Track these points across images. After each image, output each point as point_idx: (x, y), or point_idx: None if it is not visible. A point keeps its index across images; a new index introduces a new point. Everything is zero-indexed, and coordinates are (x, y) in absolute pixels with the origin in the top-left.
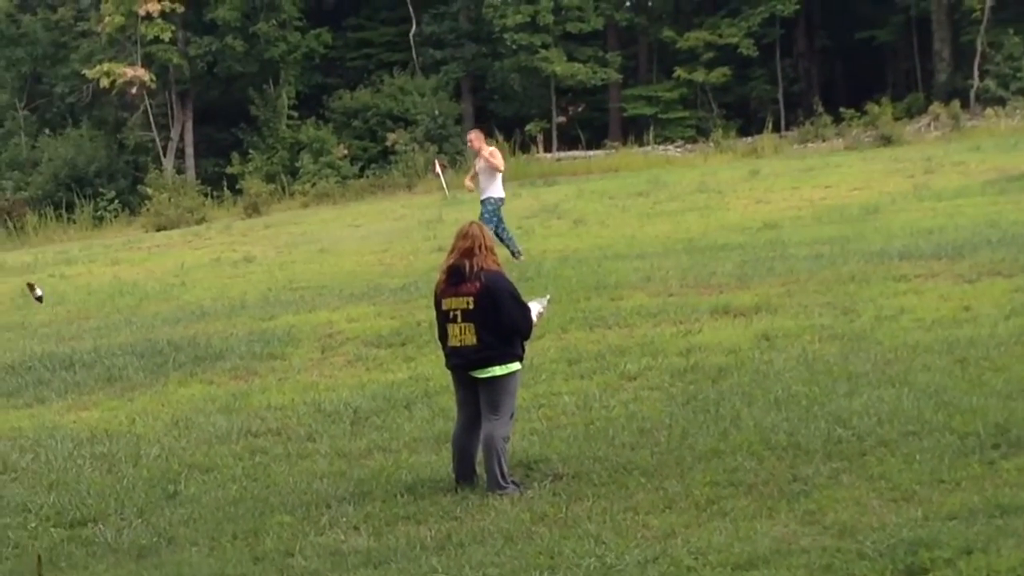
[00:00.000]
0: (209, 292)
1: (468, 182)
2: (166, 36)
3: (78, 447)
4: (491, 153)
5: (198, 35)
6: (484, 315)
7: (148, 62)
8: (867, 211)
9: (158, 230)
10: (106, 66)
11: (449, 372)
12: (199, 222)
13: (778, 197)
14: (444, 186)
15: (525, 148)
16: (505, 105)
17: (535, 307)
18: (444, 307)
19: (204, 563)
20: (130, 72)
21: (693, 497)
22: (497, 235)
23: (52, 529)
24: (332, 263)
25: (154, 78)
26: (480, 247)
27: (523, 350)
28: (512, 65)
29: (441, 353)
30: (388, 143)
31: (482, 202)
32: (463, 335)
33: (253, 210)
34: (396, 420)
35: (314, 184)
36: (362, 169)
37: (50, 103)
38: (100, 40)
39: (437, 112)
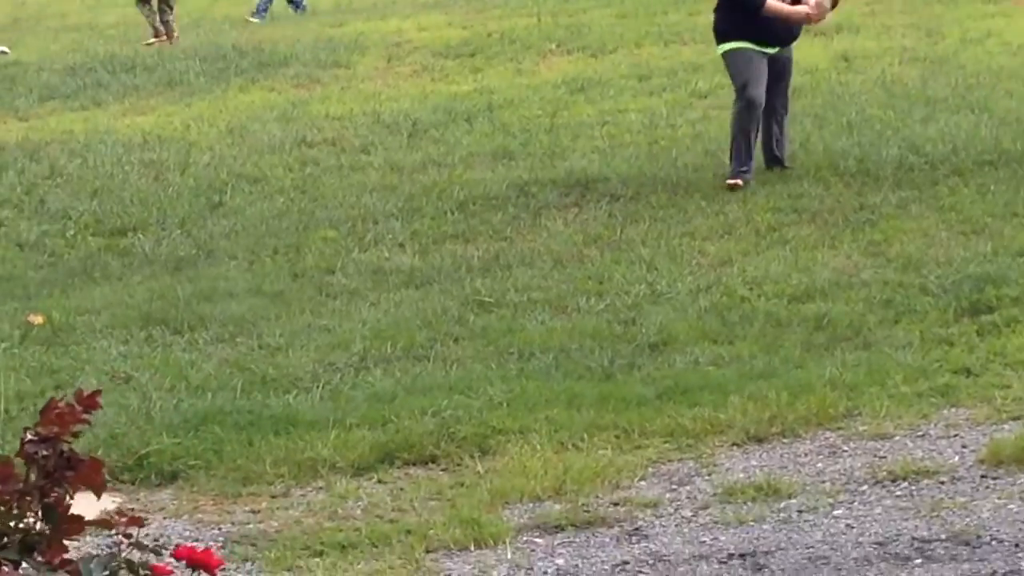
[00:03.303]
0: None
1: None
2: None
3: (128, 152)
4: None
5: None
6: None
7: None
8: None
9: None
10: None
11: None
12: None
13: None
14: None
15: None
16: None
17: None
18: None
19: (241, 278)
20: None
21: (754, 223)
22: None
23: (91, 238)
24: None
25: None
26: None
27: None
28: None
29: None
30: None
31: None
32: None
33: None
34: (455, 134)
35: None
36: None
37: None
38: None
39: None
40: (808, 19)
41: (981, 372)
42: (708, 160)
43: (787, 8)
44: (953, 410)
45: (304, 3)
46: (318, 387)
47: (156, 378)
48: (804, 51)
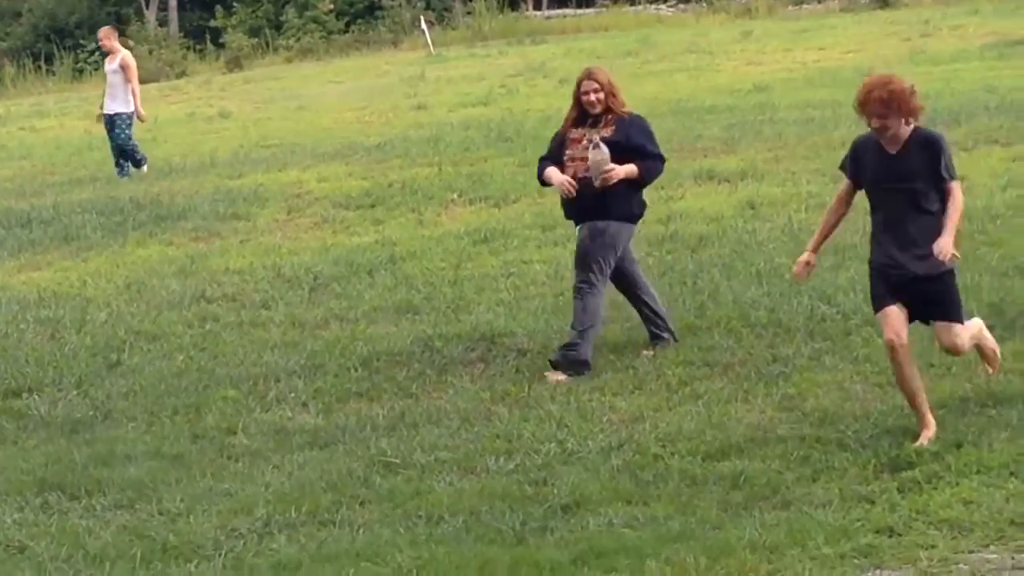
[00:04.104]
0: (179, 148)
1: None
2: None
3: (23, 310)
4: (125, 59)
5: None
6: None
7: None
8: (861, 74)
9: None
10: None
11: None
12: (179, 76)
13: (770, 59)
14: (429, 43)
15: (514, 5)
16: None
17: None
18: None
19: (139, 440)
20: None
21: (665, 378)
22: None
23: None
24: (308, 120)
25: None
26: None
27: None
28: None
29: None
30: None
31: (111, 118)
32: None
33: (235, 65)
34: (357, 287)
35: (298, 39)
36: (348, 24)
37: None
38: None
39: None
40: (567, 189)
41: (904, 531)
42: (615, 313)
43: (556, 176)
44: (877, 572)
45: (127, 169)
46: (220, 555)
47: (52, 547)
48: (709, 198)
